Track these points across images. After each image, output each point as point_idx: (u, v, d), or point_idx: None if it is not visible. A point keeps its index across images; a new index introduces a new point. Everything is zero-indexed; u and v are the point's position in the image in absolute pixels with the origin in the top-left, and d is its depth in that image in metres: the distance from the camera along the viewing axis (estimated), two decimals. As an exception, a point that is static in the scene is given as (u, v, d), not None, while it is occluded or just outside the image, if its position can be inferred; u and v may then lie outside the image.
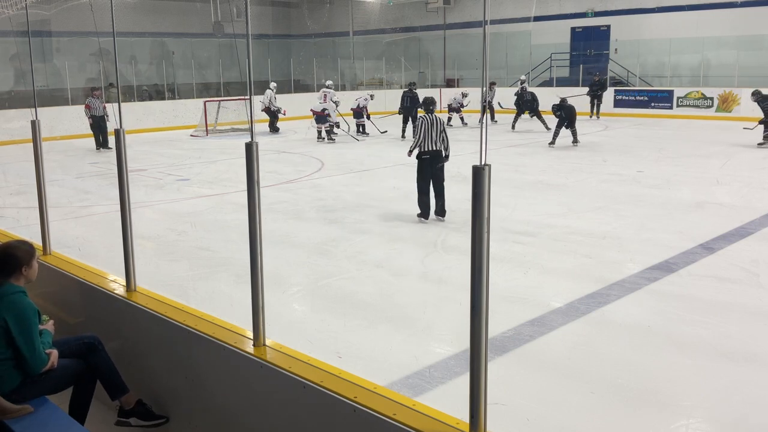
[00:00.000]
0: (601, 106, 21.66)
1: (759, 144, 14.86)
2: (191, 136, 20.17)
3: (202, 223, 9.03)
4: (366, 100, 19.29)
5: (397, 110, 18.65)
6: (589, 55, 25.21)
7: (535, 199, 10.04)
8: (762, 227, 8.02)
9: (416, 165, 8.57)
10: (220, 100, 21.15)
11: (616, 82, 23.98)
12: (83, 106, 16.81)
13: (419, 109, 9.94)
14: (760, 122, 14.91)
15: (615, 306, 5.64)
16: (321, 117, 17.67)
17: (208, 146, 17.66)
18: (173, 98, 24.24)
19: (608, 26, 24.83)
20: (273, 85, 20.77)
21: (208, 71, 26.54)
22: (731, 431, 3.84)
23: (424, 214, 8.60)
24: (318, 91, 24.34)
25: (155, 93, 24.91)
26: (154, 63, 25.92)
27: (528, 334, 5.08)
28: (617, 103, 22.92)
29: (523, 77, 22.29)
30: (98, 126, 16.46)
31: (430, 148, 8.34)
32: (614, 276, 6.35)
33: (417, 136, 8.36)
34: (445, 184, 8.58)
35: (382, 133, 18.99)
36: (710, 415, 3.98)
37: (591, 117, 21.39)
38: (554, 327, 5.23)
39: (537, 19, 24.87)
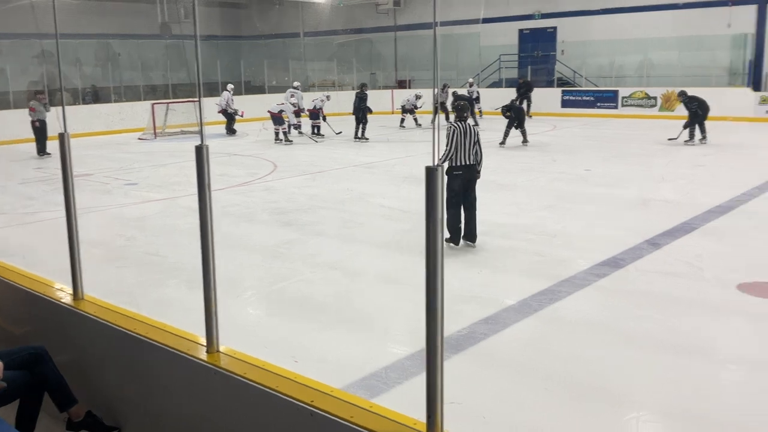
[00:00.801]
0: (532, 106, 22.27)
1: (685, 141, 15.41)
2: (139, 139, 19.76)
3: (152, 228, 8.85)
4: (322, 101, 19.22)
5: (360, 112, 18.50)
6: (537, 57, 25.65)
7: (486, 198, 10.13)
8: (705, 222, 8.30)
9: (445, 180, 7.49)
10: (168, 103, 20.78)
11: (563, 83, 24.47)
12: (27, 109, 16.26)
13: (452, 113, 8.11)
14: (685, 126, 15.45)
15: (566, 302, 5.75)
16: (278, 118, 17.56)
17: (157, 149, 17.32)
18: (120, 101, 23.68)
19: (555, 28, 25.32)
20: (230, 86, 20.56)
21: (156, 73, 26.02)
22: (680, 421, 3.96)
23: (454, 239, 7.31)
24: (269, 93, 24.16)
25: (101, 96, 24.31)
26: (99, 65, 25.30)
27: (482, 332, 5.14)
28: (564, 104, 23.39)
29: (471, 80, 22.68)
30: (42, 131, 15.96)
31: (463, 162, 7.14)
32: (565, 273, 6.47)
33: (448, 147, 7.14)
34: (475, 198, 7.42)
35: (337, 134, 18.95)
36: (659, 406, 4.09)
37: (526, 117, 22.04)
38: (508, 325, 5.30)
39: (485, 21, 25.18)
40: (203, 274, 2.88)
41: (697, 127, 15.38)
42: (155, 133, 19.84)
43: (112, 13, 25.73)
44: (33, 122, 15.90)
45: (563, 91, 23.65)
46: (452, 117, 7.98)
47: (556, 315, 5.51)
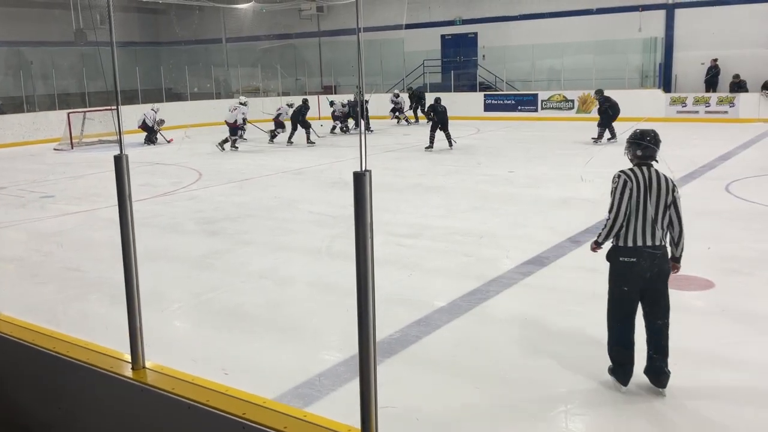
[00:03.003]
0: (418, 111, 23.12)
1: (594, 140, 16.13)
2: (55, 150, 18.95)
3: (70, 242, 8.50)
4: (279, 109, 19.02)
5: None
6: (459, 62, 26.13)
7: (415, 201, 10.27)
8: (622, 219, 8.63)
9: (609, 269, 4.35)
10: (85, 111, 20.03)
11: (485, 87, 25.01)
12: None
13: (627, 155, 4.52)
14: (598, 125, 16.20)
15: (494, 301, 5.88)
16: (234, 129, 17.47)
17: (74, 160, 16.67)
18: (33, 110, 22.64)
19: (476, 33, 25.86)
20: (156, 106, 20.13)
21: (71, 81, 25.02)
22: (608, 412, 4.10)
23: (621, 376, 4.24)
24: (191, 99, 23.64)
25: (12, 106, 23.18)
26: (9, 74, 24.12)
27: (414, 334, 5.18)
28: (487, 108, 23.92)
29: (396, 92, 23.31)
30: None
31: (642, 243, 4.11)
32: (492, 272, 6.61)
33: (613, 211, 4.15)
34: (667, 308, 4.24)
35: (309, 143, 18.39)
36: (587, 399, 4.22)
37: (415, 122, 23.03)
38: (439, 326, 5.36)
39: (408, 26, 25.50)
40: (126, 287, 2.78)
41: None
42: (72, 144, 19.07)
43: (23, 20, 24.67)
44: None
45: (485, 95, 24.18)
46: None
47: (485, 314, 5.61)
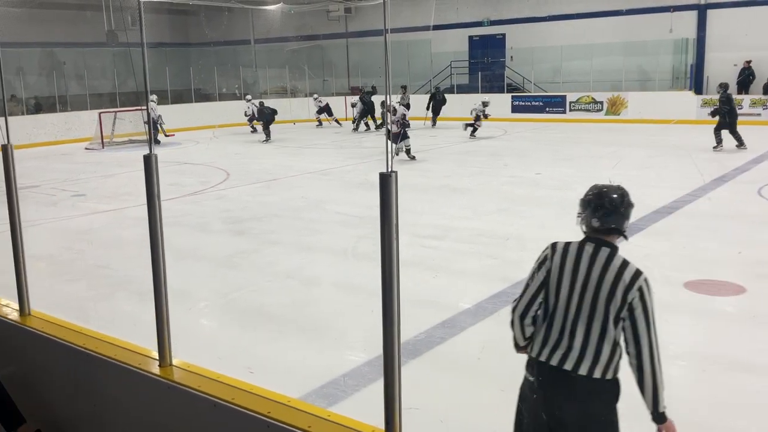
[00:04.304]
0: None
1: (714, 148, 14.75)
2: (86, 149, 19.28)
3: (100, 240, 8.64)
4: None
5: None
6: (487, 63, 26.02)
7: (440, 202, 10.24)
8: (651, 223, 8.52)
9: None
10: (115, 111, 20.34)
11: (512, 89, 24.87)
12: None
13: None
14: (716, 130, 14.90)
15: (521, 304, 5.82)
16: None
17: (105, 159, 16.93)
18: (65, 110, 23.07)
19: (503, 35, 25.73)
20: (154, 97, 20.37)
21: (102, 82, 25.43)
22: (630, 419, 4.04)
23: None
24: (219, 100, 23.87)
25: (46, 105, 23.64)
26: (43, 74, 24.59)
27: (439, 336, 5.17)
28: (514, 109, 23.77)
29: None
30: None
31: (546, 358, 2.71)
32: (518, 275, 6.55)
33: (515, 301, 2.88)
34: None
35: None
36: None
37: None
38: (464, 328, 5.34)
39: (436, 27, 25.42)
40: (154, 286, 2.82)
41: (728, 132, 14.71)
42: (103, 143, 19.39)
43: (56, 21, 25.12)
44: None
45: (513, 97, 24.04)
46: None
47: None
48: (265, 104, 20.48)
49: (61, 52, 25.59)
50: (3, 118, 3.50)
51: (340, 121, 23.77)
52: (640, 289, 2.59)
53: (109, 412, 3.16)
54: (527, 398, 2.80)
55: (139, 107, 19.79)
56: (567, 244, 2.80)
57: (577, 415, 2.57)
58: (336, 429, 2.33)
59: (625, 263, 2.66)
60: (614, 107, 21.87)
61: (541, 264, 2.82)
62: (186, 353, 2.94)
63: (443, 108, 22.40)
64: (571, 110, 22.72)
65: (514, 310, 2.81)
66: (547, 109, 23.20)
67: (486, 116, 19.14)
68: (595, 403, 2.63)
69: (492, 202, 10.20)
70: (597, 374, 2.58)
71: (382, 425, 2.18)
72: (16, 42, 21.41)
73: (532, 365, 2.77)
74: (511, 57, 25.57)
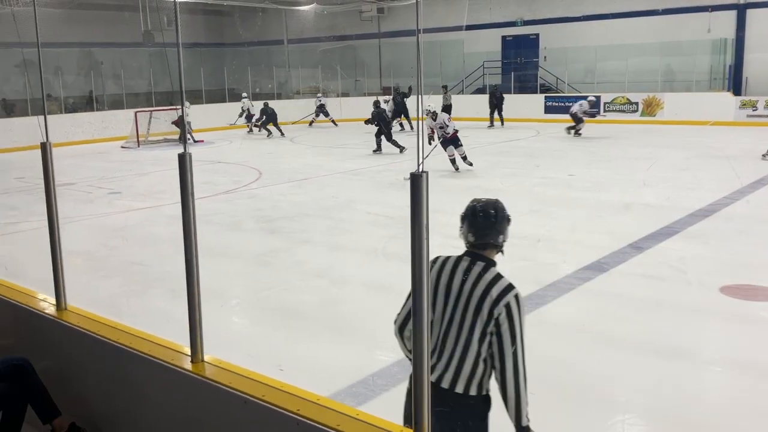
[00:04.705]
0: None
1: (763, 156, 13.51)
2: (122, 147, 19.62)
3: (135, 237, 8.79)
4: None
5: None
6: (520, 63, 25.83)
7: (472, 204, 10.19)
8: (687, 226, 8.37)
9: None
10: (151, 111, 20.67)
11: (546, 89, 24.65)
12: None
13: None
14: None
15: (551, 306, 5.77)
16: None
17: (140, 158, 17.21)
18: (102, 109, 23.52)
19: (537, 35, 25.51)
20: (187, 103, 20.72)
21: (138, 81, 25.87)
22: (665, 424, 3.98)
23: None
24: (252, 100, 24.11)
25: (83, 104, 24.12)
26: (81, 74, 25.10)
27: (469, 337, 5.14)
28: (547, 110, 23.54)
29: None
30: None
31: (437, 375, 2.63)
32: (549, 277, 6.50)
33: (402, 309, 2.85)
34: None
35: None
36: (644, 409, 4.11)
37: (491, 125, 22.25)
38: (494, 330, 5.30)
39: (469, 27, 25.32)
40: (187, 283, 2.85)
41: None
42: (138, 142, 19.72)
43: (94, 22, 25.58)
44: None
45: (546, 97, 23.82)
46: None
47: (542, 319, 5.52)
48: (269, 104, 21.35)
49: (99, 52, 26.09)
50: (42, 117, 3.58)
51: (336, 122, 23.92)
52: (508, 306, 2.55)
53: (141, 407, 3.21)
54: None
55: (174, 107, 20.10)
56: (446, 258, 2.75)
57: (445, 429, 2.49)
58: (365, 428, 2.34)
59: (496, 278, 2.64)
60: (650, 108, 21.53)
61: None
62: (217, 350, 2.97)
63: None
64: (605, 111, 22.41)
65: (395, 321, 2.81)
66: (581, 110, 22.92)
67: (593, 115, 18.76)
68: (460, 418, 2.57)
69: (524, 203, 10.12)
70: (459, 389, 2.54)
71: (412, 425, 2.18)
72: (56, 42, 21.82)
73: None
74: (545, 57, 25.33)
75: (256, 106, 22.18)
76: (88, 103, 24.13)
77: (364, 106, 25.22)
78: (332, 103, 25.62)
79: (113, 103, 24.37)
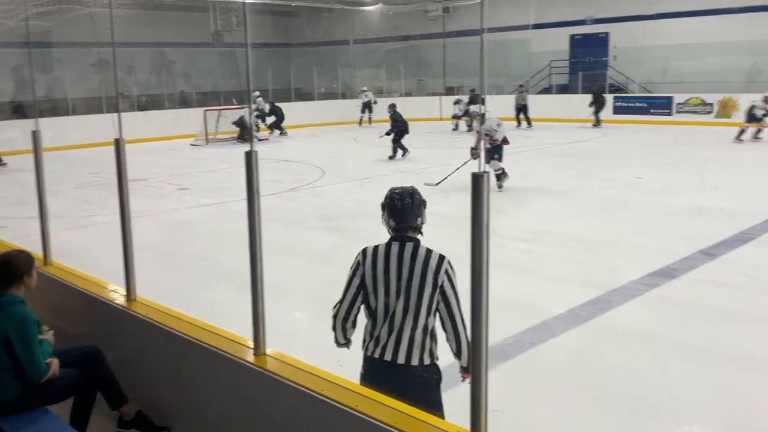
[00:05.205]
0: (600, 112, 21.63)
1: None
2: (191, 145, 20.18)
3: (202, 232, 9.03)
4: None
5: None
6: (588, 62, 25.26)
7: (534, 205, 10.04)
8: (763, 232, 8.01)
9: None
10: (220, 109, 21.19)
11: (615, 89, 24.02)
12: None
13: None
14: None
15: (616, 312, 5.63)
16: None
17: (208, 155, 17.67)
18: (173, 107, 24.25)
19: (607, 33, 24.89)
20: (257, 93, 21.11)
21: (208, 80, 26.57)
22: (734, 438, 3.82)
23: None
24: (317, 99, 24.38)
25: (155, 103, 24.94)
26: (153, 73, 25.95)
27: (529, 341, 5.07)
28: (616, 110, 22.93)
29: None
30: None
31: (380, 355, 2.95)
32: (615, 282, 6.34)
33: (335, 307, 3.14)
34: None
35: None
36: (713, 420, 3.96)
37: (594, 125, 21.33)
38: (556, 334, 5.22)
39: (536, 26, 24.91)
40: (251, 278, 2.92)
41: None
42: (207, 140, 20.25)
43: (166, 22, 26.41)
44: None
45: (615, 98, 23.20)
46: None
47: (606, 325, 5.40)
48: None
49: (171, 52, 26.91)
50: (116, 114, 3.73)
51: (370, 122, 23.75)
52: (447, 272, 2.88)
53: (204, 396, 3.30)
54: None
55: (242, 106, 20.54)
56: (375, 248, 3.01)
57: (405, 401, 2.57)
58: (422, 427, 2.34)
59: (429, 252, 2.94)
60: (725, 109, 20.70)
61: (355, 270, 3.01)
62: (279, 344, 3.03)
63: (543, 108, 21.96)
64: (677, 112, 21.68)
65: (335, 316, 3.05)
66: (652, 110, 22.24)
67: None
68: (419, 388, 2.87)
69: (588, 205, 9.90)
70: (415, 361, 2.87)
71: (468, 426, 2.17)
72: (129, 42, 22.63)
73: (363, 359, 3.02)
74: (615, 56, 24.70)
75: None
76: (159, 102, 24.93)
77: (427, 106, 25.23)
78: (395, 102, 25.67)
79: (183, 101, 25.10)
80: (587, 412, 4.07)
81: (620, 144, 17.58)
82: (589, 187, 11.43)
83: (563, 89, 24.83)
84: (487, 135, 10.74)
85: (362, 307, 3.01)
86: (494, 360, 4.59)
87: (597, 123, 21.27)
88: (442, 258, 2.92)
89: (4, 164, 16.02)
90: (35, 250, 4.31)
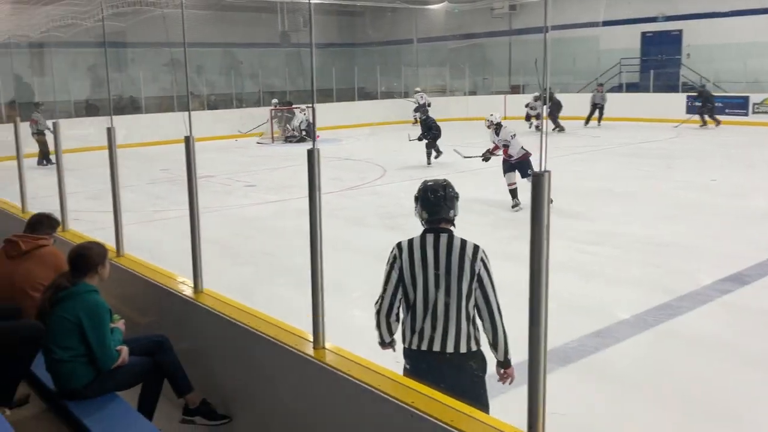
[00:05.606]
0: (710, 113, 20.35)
1: None
2: (258, 143, 20.61)
3: (267, 228, 9.22)
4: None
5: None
6: (660, 60, 24.49)
7: (600, 206, 9.82)
8: None
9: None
10: (285, 108, 21.55)
11: (688, 88, 23.21)
12: (29, 122, 15.89)
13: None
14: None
15: (685, 318, 5.46)
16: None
17: (274, 153, 18.01)
18: (241, 106, 24.80)
19: (680, 31, 24.07)
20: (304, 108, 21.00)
21: (274, 80, 27.06)
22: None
23: None
24: (380, 98, 24.49)
25: (224, 102, 25.57)
26: (223, 72, 26.61)
27: (593, 345, 4.97)
28: (689, 110, 22.12)
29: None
30: (44, 141, 16.19)
31: (428, 347, 3.00)
32: (684, 287, 6.14)
33: (376, 303, 3.17)
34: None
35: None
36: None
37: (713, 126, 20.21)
38: (621, 339, 5.10)
39: (606, 23, 24.32)
40: (311, 273, 2.97)
41: None
42: (272, 138, 20.64)
43: (235, 23, 27.02)
44: (35, 134, 15.83)
45: (688, 97, 22.41)
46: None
47: (673, 331, 5.24)
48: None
49: (239, 52, 27.54)
50: (186, 113, 3.85)
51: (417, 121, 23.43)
52: (483, 260, 2.95)
53: (265, 387, 3.37)
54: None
55: (307, 105, 20.85)
56: (410, 241, 3.07)
57: (450, 389, 2.62)
58: (478, 426, 2.33)
59: (463, 241, 2.98)
60: (807, 110, 19.72)
61: (392, 264, 3.07)
62: (338, 339, 3.07)
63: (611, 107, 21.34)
64: (754, 112, 20.77)
65: (378, 312, 3.08)
66: (727, 110, 21.37)
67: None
68: (465, 375, 2.94)
69: (658, 207, 9.61)
70: (463, 349, 2.93)
71: (525, 428, 2.15)
72: (200, 42, 23.27)
73: (405, 355, 3.07)
74: (688, 54, 23.85)
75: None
76: (227, 101, 25.54)
77: (492, 105, 24.89)
78: (459, 102, 25.52)
79: (250, 100, 25.64)
80: (649, 418, 3.96)
81: (693, 144, 16.99)
82: (658, 188, 11.10)
83: (633, 88, 24.13)
84: (505, 146, 10.07)
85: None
86: (556, 363, 4.52)
87: (705, 122, 20.15)
88: (477, 247, 2.98)
89: (53, 163, 16.70)
90: (109, 242, 4.50)
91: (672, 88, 23.41)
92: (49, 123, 16.33)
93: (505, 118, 23.56)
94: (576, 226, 8.45)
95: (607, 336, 5.14)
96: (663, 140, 17.43)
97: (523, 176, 9.65)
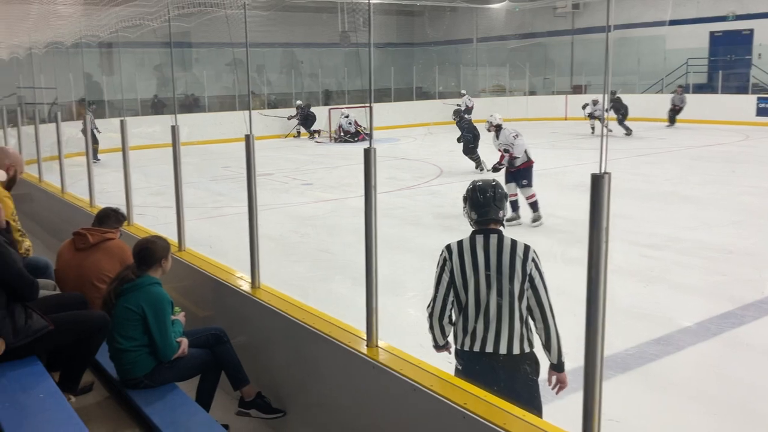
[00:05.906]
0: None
1: None
2: (316, 142, 20.84)
3: (323, 226, 9.31)
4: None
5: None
6: (729, 61, 23.63)
7: (663, 210, 9.54)
8: None
9: None
10: (343, 108, 21.73)
11: (759, 89, 22.31)
12: (80, 121, 16.07)
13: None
14: None
15: (751, 328, 5.26)
16: None
17: (331, 152, 18.17)
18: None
19: (751, 30, 23.15)
20: (347, 113, 20.94)
21: (333, 80, 27.30)
22: None
23: None
24: (438, 98, 24.39)
25: (283, 101, 25.95)
26: (283, 72, 27.00)
27: (653, 352, 4.84)
28: (760, 112, 21.28)
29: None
30: (95, 140, 16.26)
31: (480, 347, 2.93)
32: (751, 296, 5.91)
33: (429, 306, 3.08)
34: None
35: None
36: None
37: None
38: (682, 347, 4.95)
39: (672, 23, 23.60)
40: (366, 271, 2.99)
41: None
42: (330, 137, 20.84)
43: (296, 23, 27.38)
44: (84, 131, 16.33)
45: (759, 98, 21.55)
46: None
47: (738, 340, 5.05)
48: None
49: (299, 52, 27.89)
50: (247, 112, 3.93)
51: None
52: (534, 260, 2.89)
53: (318, 383, 3.41)
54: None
55: (365, 104, 20.97)
56: (460, 243, 3.01)
57: (503, 391, 2.64)
58: (530, 430, 2.30)
59: (514, 241, 2.93)
60: None
61: (442, 267, 3.00)
62: (391, 338, 3.08)
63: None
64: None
65: (431, 315, 3.01)
66: (800, 113, 20.47)
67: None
68: (518, 377, 2.88)
69: (725, 213, 9.28)
70: (516, 350, 2.87)
71: (579, 433, 2.12)
72: (261, 42, 23.67)
73: (457, 355, 3.02)
74: (759, 55, 22.94)
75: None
76: (287, 100, 25.90)
77: (552, 105, 24.56)
78: (518, 102, 25.18)
79: (310, 100, 25.94)
80: (708, 428, 3.83)
81: (764, 148, 16.33)
82: (724, 192, 10.71)
83: (701, 89, 23.35)
84: (506, 151, 9.12)
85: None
86: (614, 370, 4.42)
87: None
88: (527, 247, 2.92)
89: (98, 160, 17.03)
90: (171, 236, 4.62)
91: (742, 89, 22.54)
92: (97, 122, 16.99)
93: (566, 118, 23.26)
94: (639, 230, 8.22)
95: (669, 344, 4.99)
96: (731, 143, 16.81)
97: (517, 186, 8.99)
